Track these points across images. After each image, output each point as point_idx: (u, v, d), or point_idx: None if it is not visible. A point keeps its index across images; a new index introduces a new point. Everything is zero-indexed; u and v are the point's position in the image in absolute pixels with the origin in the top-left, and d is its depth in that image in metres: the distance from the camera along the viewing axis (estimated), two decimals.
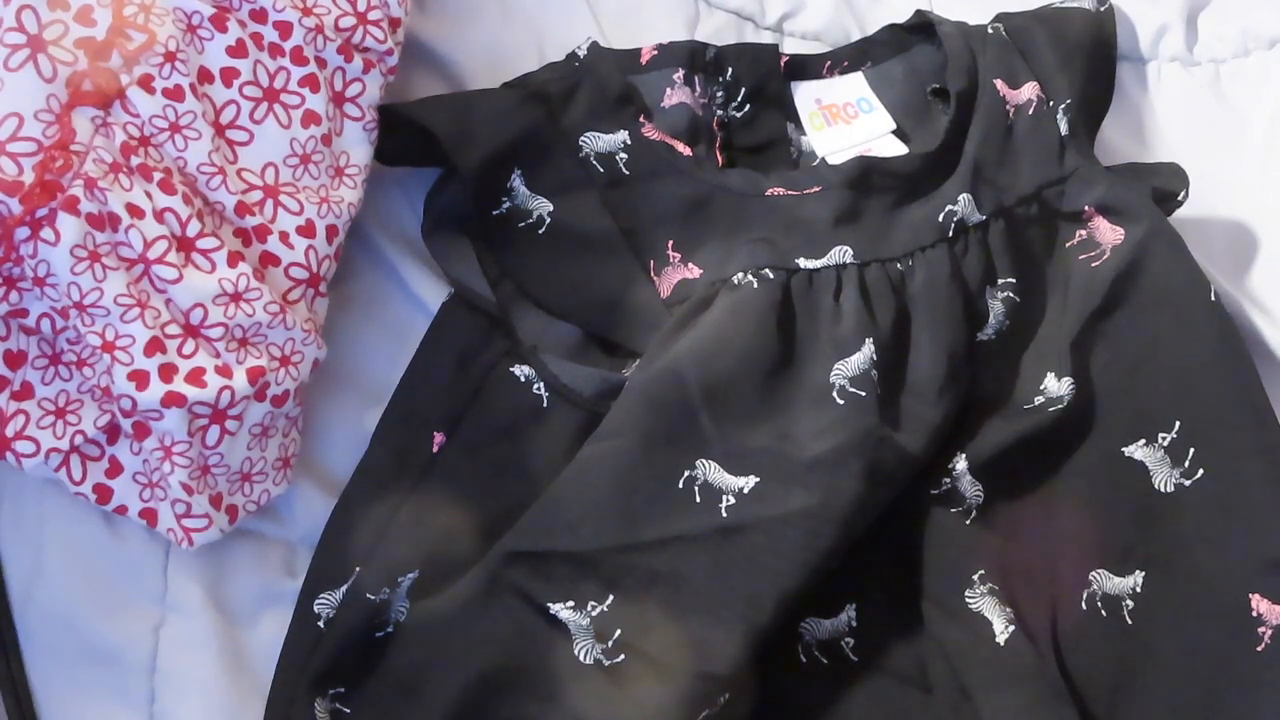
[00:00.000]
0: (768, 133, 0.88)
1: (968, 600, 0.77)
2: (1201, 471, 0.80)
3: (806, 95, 0.90)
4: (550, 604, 0.74)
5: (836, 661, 0.78)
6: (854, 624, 0.78)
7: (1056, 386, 0.82)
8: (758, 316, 0.79)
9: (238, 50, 0.75)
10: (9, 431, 0.75)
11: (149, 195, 0.72)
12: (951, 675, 0.76)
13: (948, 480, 0.80)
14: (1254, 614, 0.77)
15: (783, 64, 0.89)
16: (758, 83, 0.88)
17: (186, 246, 0.73)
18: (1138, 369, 0.82)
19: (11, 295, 0.73)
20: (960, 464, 0.79)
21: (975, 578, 0.77)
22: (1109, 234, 0.83)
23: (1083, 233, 0.85)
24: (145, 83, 0.73)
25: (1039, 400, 0.82)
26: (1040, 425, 0.81)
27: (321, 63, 0.78)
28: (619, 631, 0.74)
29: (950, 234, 0.82)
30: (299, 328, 0.76)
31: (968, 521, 0.80)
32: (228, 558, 0.81)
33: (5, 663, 0.78)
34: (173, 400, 0.72)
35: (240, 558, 0.81)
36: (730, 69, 0.88)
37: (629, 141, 0.84)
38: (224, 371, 0.73)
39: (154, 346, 0.72)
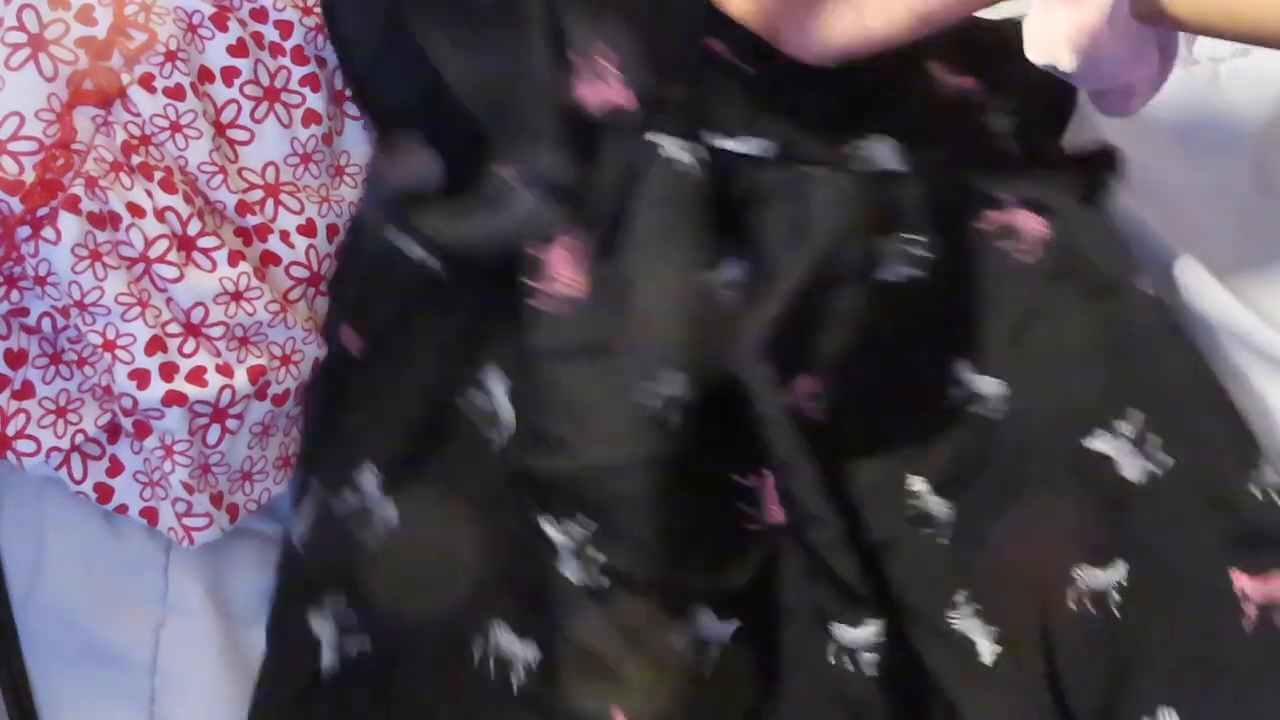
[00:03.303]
0: None
1: (950, 621, 0.76)
2: (1166, 457, 0.79)
3: None
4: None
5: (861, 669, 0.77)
6: (880, 639, 0.77)
7: (989, 386, 0.80)
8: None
9: (238, 49, 0.75)
10: (10, 430, 0.75)
11: (150, 194, 0.72)
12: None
13: (914, 503, 0.79)
14: (1238, 591, 0.77)
15: None
16: None
17: (187, 245, 0.73)
18: (1083, 362, 0.79)
19: (12, 294, 0.73)
20: (919, 484, 0.79)
21: (957, 598, 0.77)
22: (1037, 227, 0.81)
23: (1008, 224, 0.82)
24: (146, 82, 0.73)
25: (976, 406, 0.80)
26: (986, 430, 0.79)
27: (322, 62, 0.78)
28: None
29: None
30: (300, 327, 0.76)
31: (945, 541, 0.79)
32: (228, 558, 0.81)
33: (5, 662, 0.78)
34: (173, 399, 0.72)
35: (240, 558, 0.81)
36: None
37: None
38: (225, 370, 0.73)
39: (155, 345, 0.72)
